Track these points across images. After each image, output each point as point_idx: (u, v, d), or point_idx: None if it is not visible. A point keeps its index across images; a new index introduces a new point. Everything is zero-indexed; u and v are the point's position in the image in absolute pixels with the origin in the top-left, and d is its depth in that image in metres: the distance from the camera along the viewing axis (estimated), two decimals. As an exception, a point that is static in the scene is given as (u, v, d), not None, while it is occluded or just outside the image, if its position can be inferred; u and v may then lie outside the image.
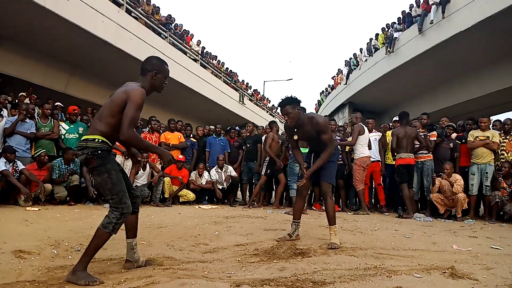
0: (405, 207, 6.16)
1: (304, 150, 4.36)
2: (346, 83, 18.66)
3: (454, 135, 6.53)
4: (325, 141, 3.47)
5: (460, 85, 13.09)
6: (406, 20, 13.42)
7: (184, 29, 14.90)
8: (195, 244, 3.38)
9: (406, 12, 13.64)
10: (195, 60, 14.77)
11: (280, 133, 7.35)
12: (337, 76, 21.18)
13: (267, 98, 26.16)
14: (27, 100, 7.54)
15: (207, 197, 7.28)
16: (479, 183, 5.92)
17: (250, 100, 21.16)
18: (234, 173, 7.28)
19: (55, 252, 2.86)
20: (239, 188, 7.78)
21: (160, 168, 6.61)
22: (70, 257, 2.75)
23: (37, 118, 6.23)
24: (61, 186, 5.72)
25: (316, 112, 27.01)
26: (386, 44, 14.12)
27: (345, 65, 19.30)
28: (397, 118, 6.83)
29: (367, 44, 16.94)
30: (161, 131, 7.36)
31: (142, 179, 6.38)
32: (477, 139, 6.00)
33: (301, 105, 3.52)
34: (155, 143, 6.84)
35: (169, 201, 6.60)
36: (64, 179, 5.72)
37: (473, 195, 5.92)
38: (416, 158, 6.23)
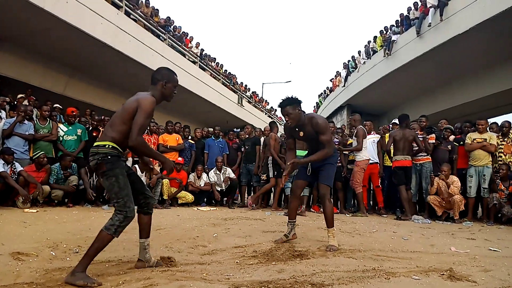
0: (403, 209, 6.18)
1: (301, 153, 4.36)
2: (344, 86, 18.71)
3: (452, 137, 6.56)
4: (323, 142, 3.43)
5: (458, 88, 13.14)
6: (404, 22, 13.48)
7: (183, 31, 14.93)
8: (193, 246, 3.38)
9: (404, 15, 13.70)
10: (194, 62, 14.79)
11: (279, 134, 7.35)
12: (336, 78, 21.25)
13: (266, 100, 26.24)
14: (25, 102, 7.53)
15: (205, 199, 7.27)
16: (477, 185, 5.94)
17: (249, 102, 21.19)
18: (232, 175, 7.28)
19: (53, 254, 2.85)
20: (238, 190, 7.78)
21: (158, 170, 6.61)
22: (68, 259, 2.75)
23: (36, 120, 6.22)
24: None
25: (315, 114, 27.04)
26: (384, 47, 14.18)
27: (343, 67, 19.36)
28: (397, 121, 6.85)
29: (365, 46, 17.00)
30: (159, 133, 7.35)
31: (140, 181, 6.36)
32: (474, 141, 6.02)
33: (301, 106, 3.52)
34: (153, 145, 6.87)
35: (167, 203, 6.60)
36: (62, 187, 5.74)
37: (471, 197, 5.93)
38: (415, 160, 6.25)
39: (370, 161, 6.52)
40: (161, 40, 12.40)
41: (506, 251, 3.55)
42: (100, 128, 6.75)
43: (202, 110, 15.95)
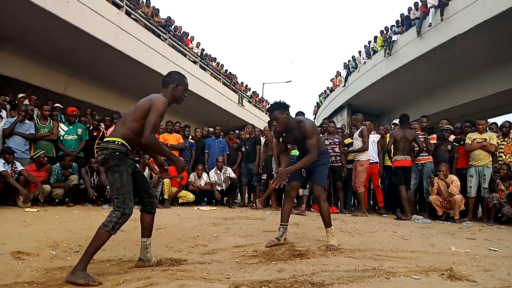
0: (404, 209, 6.18)
1: (296, 153, 4.35)
2: (344, 86, 18.71)
3: (452, 137, 6.56)
4: (308, 146, 3.37)
5: (458, 88, 13.15)
6: (405, 23, 13.48)
7: (184, 31, 14.92)
8: (194, 245, 3.38)
9: (405, 15, 13.71)
10: (195, 62, 14.80)
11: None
12: (336, 78, 21.25)
13: (266, 100, 26.20)
14: (26, 101, 7.53)
15: (206, 199, 7.27)
16: (477, 185, 5.94)
17: (249, 102, 21.19)
18: (233, 175, 7.29)
19: (54, 253, 2.86)
20: (238, 189, 7.78)
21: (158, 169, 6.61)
22: (69, 258, 2.76)
23: (36, 119, 6.23)
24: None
25: (315, 114, 27.11)
26: (384, 47, 14.18)
27: (343, 67, 19.36)
28: (398, 121, 6.85)
29: (365, 46, 17.00)
30: (160, 132, 7.35)
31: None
32: (474, 141, 6.03)
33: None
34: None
35: (168, 202, 6.61)
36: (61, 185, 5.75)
37: (471, 197, 5.94)
38: (416, 160, 6.26)
39: (370, 161, 6.54)
40: (162, 40, 12.40)
41: (506, 251, 3.55)
42: (100, 128, 6.76)
43: (202, 110, 15.95)
